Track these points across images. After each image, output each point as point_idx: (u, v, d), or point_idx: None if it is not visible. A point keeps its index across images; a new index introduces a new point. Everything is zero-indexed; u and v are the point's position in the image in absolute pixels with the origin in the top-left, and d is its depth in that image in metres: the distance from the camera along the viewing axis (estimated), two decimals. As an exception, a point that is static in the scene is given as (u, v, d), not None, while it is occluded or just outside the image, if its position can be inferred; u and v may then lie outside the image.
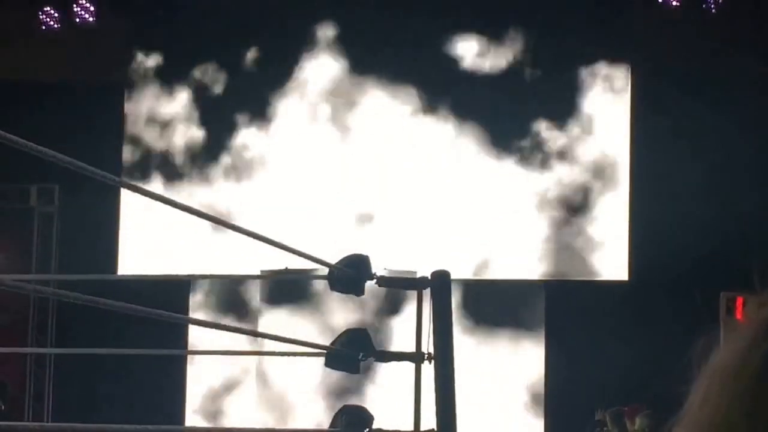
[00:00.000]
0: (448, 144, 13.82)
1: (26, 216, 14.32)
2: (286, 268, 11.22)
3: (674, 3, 13.52)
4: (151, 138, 14.24)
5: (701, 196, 12.49)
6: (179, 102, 14.29)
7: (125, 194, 13.84)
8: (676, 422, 0.75)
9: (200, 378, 13.74)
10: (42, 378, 14.11)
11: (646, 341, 11.67)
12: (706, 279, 10.52)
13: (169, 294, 11.09)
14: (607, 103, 13.59)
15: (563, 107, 13.69)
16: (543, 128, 13.69)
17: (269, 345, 10.88)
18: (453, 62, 13.82)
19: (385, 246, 12.81)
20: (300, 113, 14.05)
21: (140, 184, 12.98)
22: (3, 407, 12.65)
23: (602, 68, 13.62)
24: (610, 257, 13.28)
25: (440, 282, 7.71)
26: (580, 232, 13.48)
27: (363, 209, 13.73)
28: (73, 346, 12.77)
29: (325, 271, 7.12)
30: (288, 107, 14.07)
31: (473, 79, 13.81)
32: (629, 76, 13.52)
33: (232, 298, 13.89)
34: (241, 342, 11.05)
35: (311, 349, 9.09)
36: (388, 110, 13.87)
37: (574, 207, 13.52)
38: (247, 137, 14.13)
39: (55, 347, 14.08)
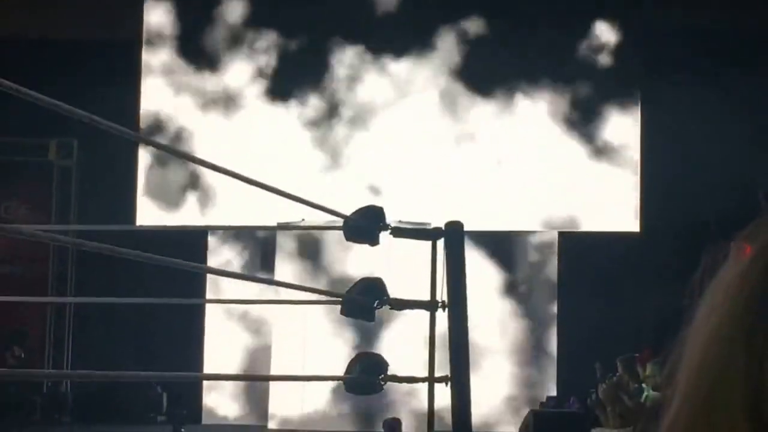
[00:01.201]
0: (458, 95, 13.92)
1: (45, 170, 14.51)
2: (303, 219, 11.39)
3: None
4: (167, 93, 14.37)
5: (711, 149, 12.58)
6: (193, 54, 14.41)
7: (142, 148, 14.01)
8: (683, 338, 0.76)
9: (218, 330, 13.95)
10: (62, 327, 14.36)
11: (657, 291, 11.81)
12: (717, 230, 10.65)
13: (186, 247, 11.25)
14: (617, 62, 13.70)
15: (576, 67, 13.79)
16: (550, 82, 13.79)
17: (286, 294, 11.07)
18: (462, 32, 13.92)
19: (398, 199, 12.96)
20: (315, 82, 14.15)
21: (157, 139, 13.16)
22: (23, 354, 12.93)
23: (609, 31, 13.73)
24: (621, 209, 13.42)
25: (454, 232, 7.86)
26: (592, 183, 13.60)
27: (376, 165, 13.86)
28: (92, 296, 12.98)
29: (340, 223, 7.27)
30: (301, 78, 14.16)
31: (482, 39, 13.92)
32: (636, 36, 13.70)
33: (250, 249, 14.07)
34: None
35: (327, 297, 9.27)
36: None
37: (586, 159, 13.65)
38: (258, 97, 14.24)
39: (75, 297, 14.31)
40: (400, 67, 14.05)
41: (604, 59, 13.82)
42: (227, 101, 14.26)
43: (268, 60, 14.25)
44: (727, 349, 0.71)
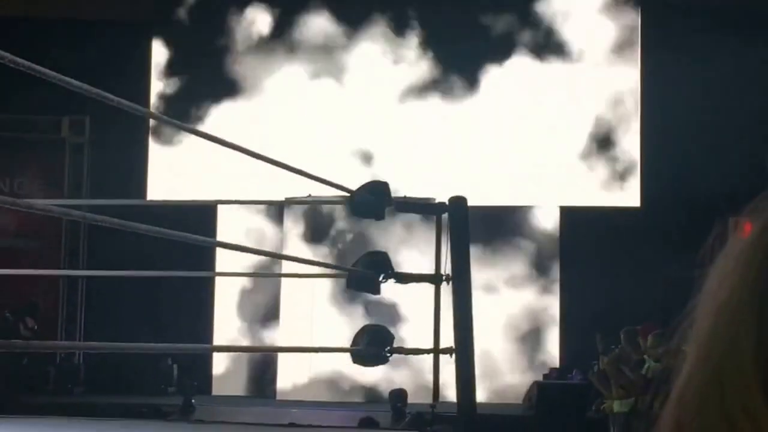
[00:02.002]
0: (462, 73, 14.04)
1: (58, 146, 14.67)
2: (309, 195, 11.54)
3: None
4: (177, 73, 14.52)
5: (711, 124, 12.69)
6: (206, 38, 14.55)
7: (153, 125, 14.18)
8: (692, 307, 0.75)
9: (227, 302, 14.13)
10: (74, 299, 14.55)
11: (658, 265, 11.95)
12: (716, 206, 10.76)
13: (196, 222, 11.39)
14: (618, 37, 13.80)
15: (575, 39, 13.90)
16: (554, 57, 13.90)
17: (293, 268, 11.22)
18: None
19: (402, 176, 13.11)
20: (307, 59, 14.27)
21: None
22: (36, 326, 13.12)
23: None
24: (622, 184, 13.56)
25: (458, 207, 8.04)
26: (593, 158, 13.72)
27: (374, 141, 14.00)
28: (103, 270, 13.14)
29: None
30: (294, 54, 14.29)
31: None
32: (639, 12, 13.77)
33: (258, 224, 14.23)
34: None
35: (334, 270, 9.44)
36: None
37: (587, 133, 13.77)
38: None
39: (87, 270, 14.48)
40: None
41: (607, 30, 13.92)
42: (237, 81, 14.42)
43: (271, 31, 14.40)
44: (739, 316, 0.70)
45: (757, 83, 12.67)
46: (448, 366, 7.94)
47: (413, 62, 14.21)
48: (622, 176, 13.64)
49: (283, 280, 12.85)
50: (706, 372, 0.71)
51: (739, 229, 0.76)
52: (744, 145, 12.54)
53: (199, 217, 12.80)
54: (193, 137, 13.90)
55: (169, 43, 14.59)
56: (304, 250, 12.61)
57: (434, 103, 14.08)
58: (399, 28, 14.30)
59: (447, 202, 8.13)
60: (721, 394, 0.70)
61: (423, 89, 14.15)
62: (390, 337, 7.56)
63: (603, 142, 13.79)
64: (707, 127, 12.68)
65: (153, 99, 14.39)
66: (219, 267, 13.59)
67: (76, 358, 14.07)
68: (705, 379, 0.71)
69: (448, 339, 8.05)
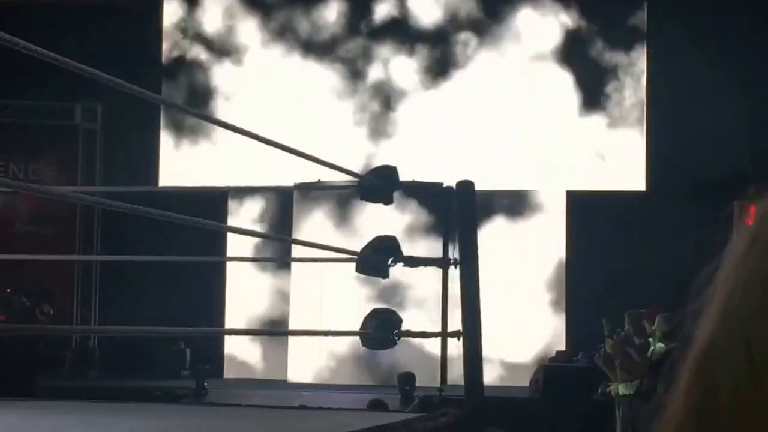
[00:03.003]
0: (466, 55, 14.12)
1: (70, 133, 14.78)
2: (319, 180, 11.65)
3: None
4: (189, 57, 14.64)
5: (717, 106, 12.74)
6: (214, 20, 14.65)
7: (165, 112, 14.30)
8: (709, 284, 0.76)
9: (239, 286, 14.26)
10: (89, 285, 14.69)
11: (663, 249, 12.03)
12: (721, 189, 10.83)
13: (207, 208, 11.52)
14: (623, 15, 13.86)
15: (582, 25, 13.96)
16: (559, 37, 13.98)
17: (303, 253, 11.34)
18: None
19: (408, 160, 13.22)
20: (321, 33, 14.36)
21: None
22: (52, 311, 13.28)
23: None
24: (627, 168, 13.63)
25: (465, 191, 8.14)
26: (598, 141, 13.80)
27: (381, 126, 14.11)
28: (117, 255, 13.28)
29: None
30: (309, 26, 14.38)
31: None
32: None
33: (267, 210, 14.36)
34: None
35: (343, 255, 9.56)
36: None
37: (592, 116, 13.85)
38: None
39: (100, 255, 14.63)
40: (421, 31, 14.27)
41: (612, 12, 13.98)
42: (245, 61, 14.54)
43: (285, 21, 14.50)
44: (760, 290, 0.71)
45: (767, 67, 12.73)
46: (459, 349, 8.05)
47: (421, 45, 14.30)
48: (627, 159, 13.69)
49: (293, 264, 12.99)
50: (733, 335, 0.72)
51: (744, 213, 0.79)
52: (752, 128, 12.61)
53: (210, 203, 12.94)
54: (205, 123, 14.07)
55: (180, 20, 14.69)
56: (314, 234, 12.73)
57: (443, 86, 14.16)
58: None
59: (454, 187, 8.23)
60: (749, 358, 0.71)
61: (431, 73, 14.23)
62: (398, 321, 7.69)
63: (608, 124, 13.85)
64: (714, 109, 12.73)
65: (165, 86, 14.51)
66: (230, 252, 13.74)
67: (92, 343, 14.22)
68: (732, 342, 0.72)
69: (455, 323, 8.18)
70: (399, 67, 14.28)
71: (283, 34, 14.52)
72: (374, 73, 14.32)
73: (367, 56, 14.36)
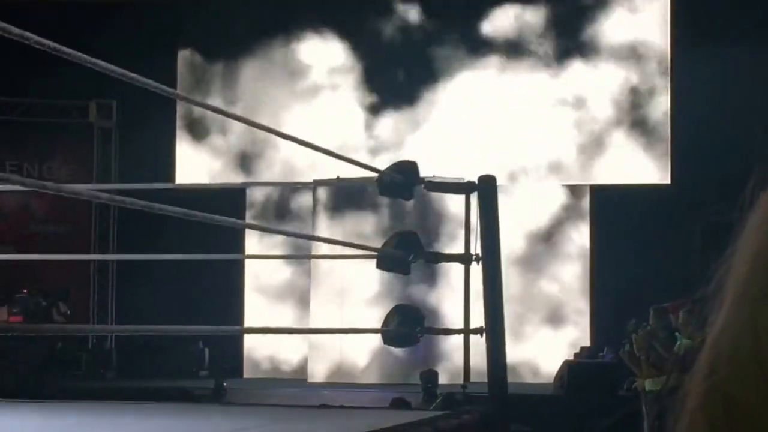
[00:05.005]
0: (487, 51, 14.00)
1: (85, 131, 14.73)
2: (338, 177, 11.53)
3: None
4: (206, 54, 14.56)
5: (743, 99, 12.58)
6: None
7: (181, 107, 14.20)
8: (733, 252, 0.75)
9: (258, 283, 14.17)
10: (105, 285, 14.63)
11: (688, 242, 11.89)
12: (747, 182, 10.66)
13: (225, 205, 11.43)
14: (649, 12, 13.71)
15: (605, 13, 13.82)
16: (586, 32, 13.83)
17: (323, 249, 11.22)
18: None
19: (431, 156, 13.10)
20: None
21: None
22: (68, 311, 13.22)
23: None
24: (652, 161, 13.48)
25: (487, 186, 7.99)
26: (623, 136, 13.66)
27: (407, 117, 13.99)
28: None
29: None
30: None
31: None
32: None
33: (286, 206, 14.26)
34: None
35: (363, 251, 9.43)
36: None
37: (617, 112, 13.71)
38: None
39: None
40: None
41: (638, 8, 13.84)
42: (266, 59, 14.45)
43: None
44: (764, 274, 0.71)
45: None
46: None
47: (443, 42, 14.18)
48: (652, 153, 13.55)
49: (313, 261, 12.87)
50: (742, 316, 0.71)
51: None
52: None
53: (228, 200, 12.84)
54: (221, 119, 13.98)
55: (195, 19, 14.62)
56: (334, 230, 12.62)
57: (464, 81, 14.03)
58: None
59: (476, 181, 8.10)
60: (755, 338, 0.70)
61: (453, 67, 14.12)
62: (421, 318, 7.55)
63: (634, 120, 13.71)
64: (739, 102, 12.57)
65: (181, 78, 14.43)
66: (248, 250, 13.64)
67: (108, 343, 14.16)
68: (740, 323, 0.71)
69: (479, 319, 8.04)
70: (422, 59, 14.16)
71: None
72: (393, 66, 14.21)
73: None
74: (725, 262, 0.75)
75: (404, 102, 14.14)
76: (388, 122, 14.18)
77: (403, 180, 7.54)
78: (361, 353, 12.86)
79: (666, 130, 13.57)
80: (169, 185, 11.98)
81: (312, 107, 14.13)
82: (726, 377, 0.71)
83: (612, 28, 13.82)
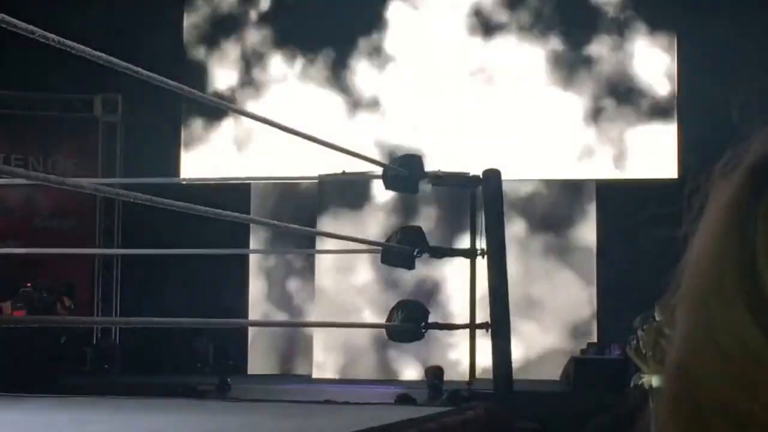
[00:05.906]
0: (493, 48, 13.96)
1: (91, 125, 14.70)
2: (343, 171, 11.49)
3: None
4: (211, 43, 14.54)
5: (750, 92, 12.51)
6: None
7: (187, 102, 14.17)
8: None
9: (263, 277, 14.16)
10: (110, 279, 14.61)
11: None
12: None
13: (230, 200, 11.40)
14: (654, 7, 13.66)
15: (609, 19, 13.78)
16: (589, 33, 13.79)
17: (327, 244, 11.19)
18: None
19: (436, 150, 13.07)
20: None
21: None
22: (73, 306, 13.20)
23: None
24: (659, 155, 13.42)
25: (492, 180, 7.96)
26: (629, 130, 13.61)
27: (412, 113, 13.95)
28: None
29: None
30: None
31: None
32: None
33: (290, 201, 14.23)
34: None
35: (368, 246, 9.38)
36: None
37: (622, 105, 13.67)
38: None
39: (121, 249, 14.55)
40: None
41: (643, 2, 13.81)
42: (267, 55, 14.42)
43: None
44: (719, 244, 0.70)
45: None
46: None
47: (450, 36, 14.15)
48: (659, 147, 13.50)
49: (318, 256, 12.84)
50: (701, 316, 0.71)
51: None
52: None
53: (233, 194, 12.80)
54: (227, 113, 13.96)
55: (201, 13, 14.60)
56: (339, 225, 12.59)
57: (467, 75, 13.99)
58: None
59: (481, 176, 8.07)
60: (712, 330, 0.69)
61: (457, 61, 14.08)
62: (425, 313, 7.52)
63: (639, 113, 13.66)
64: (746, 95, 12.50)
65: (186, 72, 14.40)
66: (253, 245, 13.62)
67: (113, 339, 14.15)
68: (699, 324, 0.70)
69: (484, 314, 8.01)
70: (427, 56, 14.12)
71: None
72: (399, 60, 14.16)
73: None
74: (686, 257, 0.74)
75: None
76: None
77: (408, 174, 7.51)
78: (366, 349, 12.84)
79: (674, 123, 13.51)
80: (173, 179, 11.96)
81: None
82: (691, 378, 0.69)
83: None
